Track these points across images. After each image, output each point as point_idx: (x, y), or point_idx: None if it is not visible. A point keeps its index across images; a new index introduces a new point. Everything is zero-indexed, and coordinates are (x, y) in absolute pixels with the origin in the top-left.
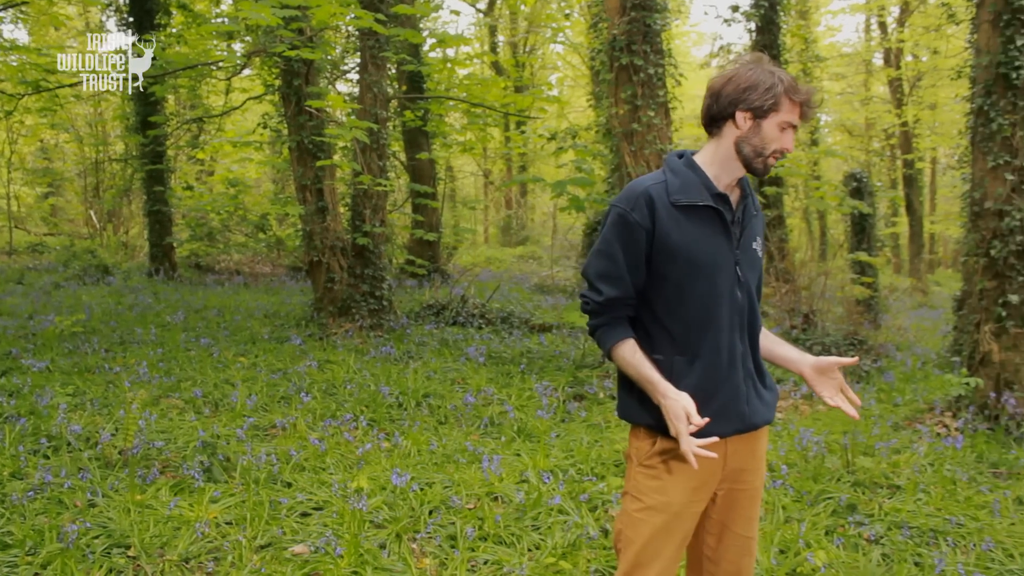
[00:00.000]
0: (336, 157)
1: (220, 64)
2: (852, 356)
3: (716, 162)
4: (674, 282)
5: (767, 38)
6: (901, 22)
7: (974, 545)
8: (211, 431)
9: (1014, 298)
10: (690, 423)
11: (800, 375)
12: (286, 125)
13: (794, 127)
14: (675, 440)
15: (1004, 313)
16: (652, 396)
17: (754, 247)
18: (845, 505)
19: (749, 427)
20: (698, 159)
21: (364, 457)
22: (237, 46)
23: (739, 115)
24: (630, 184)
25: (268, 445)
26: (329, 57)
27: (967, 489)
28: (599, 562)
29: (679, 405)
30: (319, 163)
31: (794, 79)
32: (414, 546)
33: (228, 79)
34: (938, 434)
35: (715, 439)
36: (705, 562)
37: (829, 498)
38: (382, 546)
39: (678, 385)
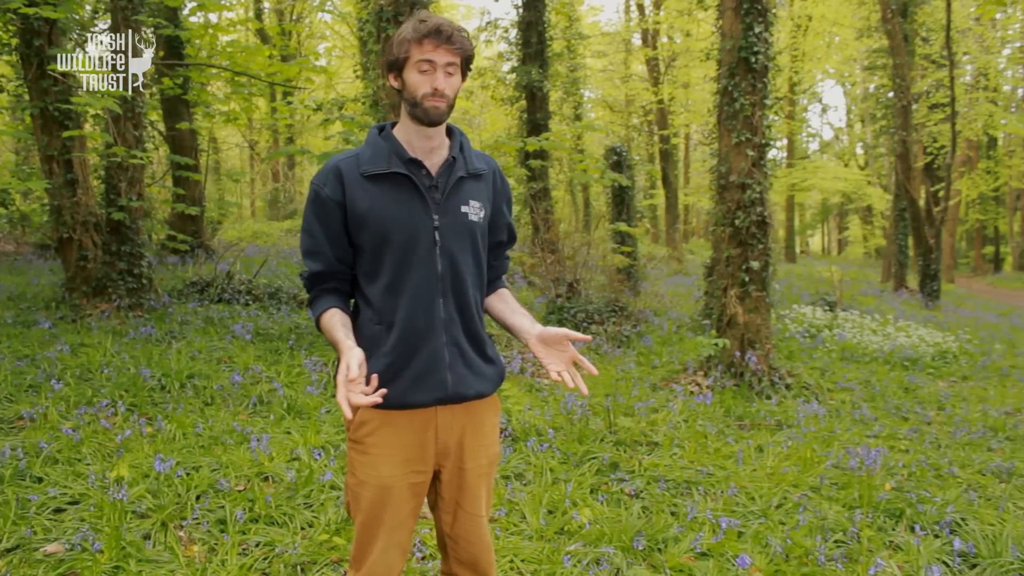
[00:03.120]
0: (87, 127)
1: None
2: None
3: (404, 128)
4: (368, 251)
5: (533, 14)
6: (657, 5)
7: (722, 492)
8: None
9: (755, 264)
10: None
11: (527, 345)
12: (27, 90)
13: (433, 62)
14: (368, 412)
15: (747, 278)
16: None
17: (463, 210)
18: (608, 464)
19: (454, 397)
20: (395, 129)
21: (124, 444)
22: None
23: (391, 80)
24: (327, 161)
25: (14, 439)
26: (76, 17)
27: (716, 441)
28: None
29: (345, 359)
30: (66, 133)
31: (423, 21)
32: (181, 534)
33: None
34: (691, 392)
35: (382, 393)
36: (447, 540)
37: (594, 458)
38: (146, 536)
39: (377, 353)
